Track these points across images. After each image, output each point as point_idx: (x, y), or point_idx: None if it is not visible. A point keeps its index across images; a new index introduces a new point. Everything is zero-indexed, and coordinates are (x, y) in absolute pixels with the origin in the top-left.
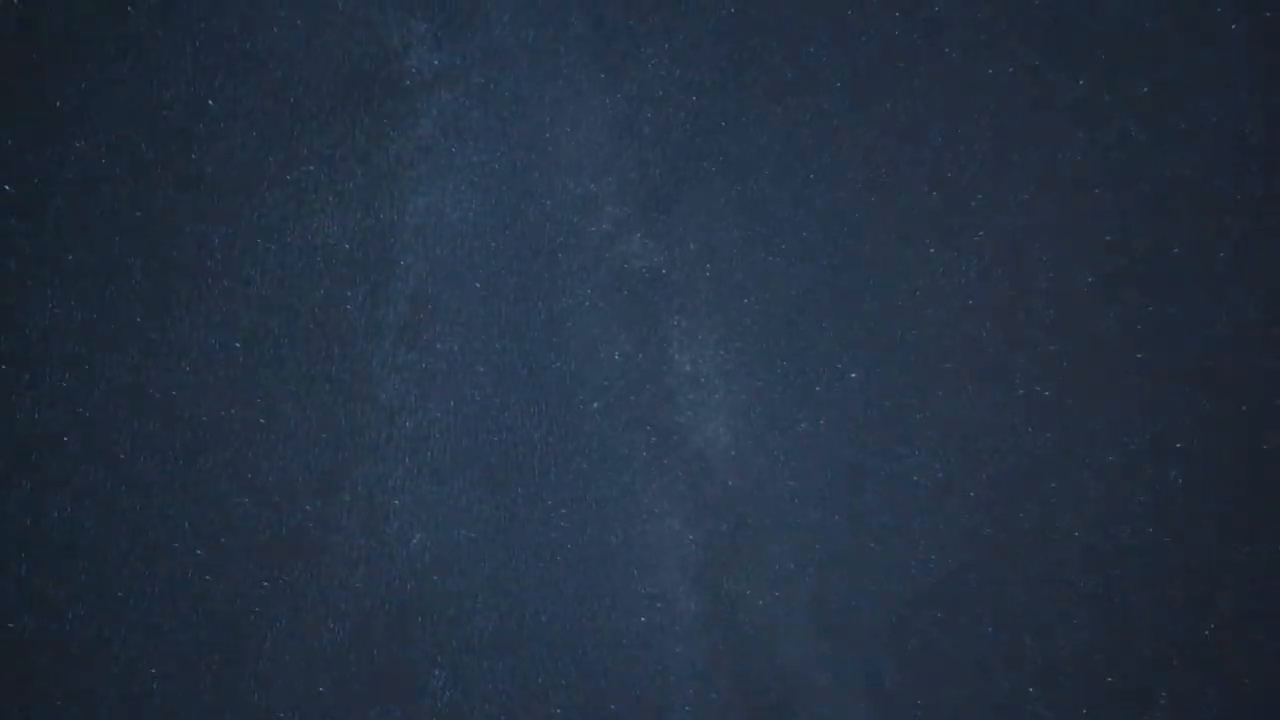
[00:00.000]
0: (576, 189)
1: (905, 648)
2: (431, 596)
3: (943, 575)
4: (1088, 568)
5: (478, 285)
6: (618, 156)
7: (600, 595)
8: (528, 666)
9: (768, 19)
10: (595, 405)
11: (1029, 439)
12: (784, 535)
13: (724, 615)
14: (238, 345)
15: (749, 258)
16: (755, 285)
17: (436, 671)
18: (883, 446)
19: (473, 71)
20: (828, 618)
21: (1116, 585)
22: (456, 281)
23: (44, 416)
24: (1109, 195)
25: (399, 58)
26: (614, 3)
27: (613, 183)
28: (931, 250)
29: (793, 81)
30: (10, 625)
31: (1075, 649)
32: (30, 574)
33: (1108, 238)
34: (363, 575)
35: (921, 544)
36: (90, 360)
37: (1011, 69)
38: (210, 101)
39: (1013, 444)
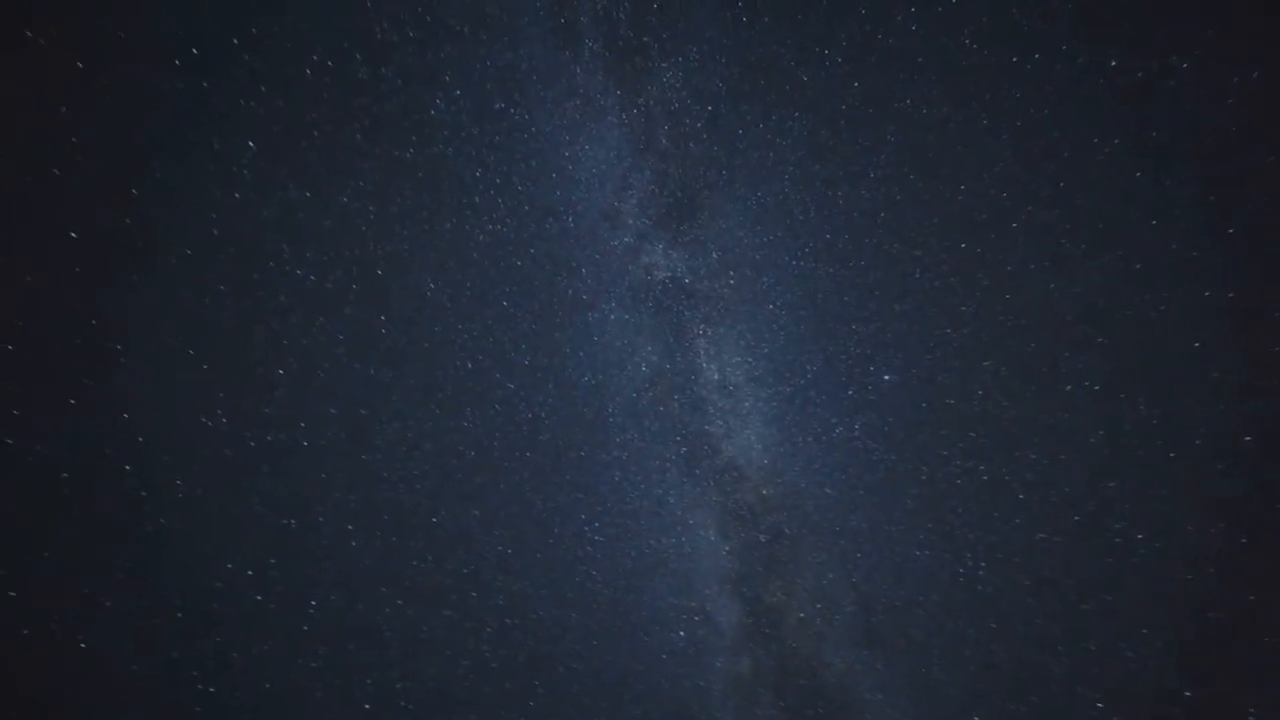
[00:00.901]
0: (597, 204)
1: (959, 660)
2: (467, 613)
3: (996, 583)
4: (1152, 572)
5: (504, 303)
6: (637, 170)
7: (637, 609)
8: (566, 683)
9: (780, 25)
10: (624, 417)
11: (1081, 437)
12: (824, 545)
13: (766, 628)
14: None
15: (773, 263)
16: (780, 290)
17: (476, 689)
18: (923, 450)
19: (494, 96)
20: (875, 629)
21: (1186, 591)
22: (483, 300)
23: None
24: (1153, 180)
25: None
26: (626, 21)
27: (633, 196)
28: (963, 245)
29: (809, 84)
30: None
31: (1146, 659)
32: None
33: (1154, 223)
34: (400, 591)
35: (971, 551)
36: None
37: (1038, 57)
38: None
39: (1063, 443)
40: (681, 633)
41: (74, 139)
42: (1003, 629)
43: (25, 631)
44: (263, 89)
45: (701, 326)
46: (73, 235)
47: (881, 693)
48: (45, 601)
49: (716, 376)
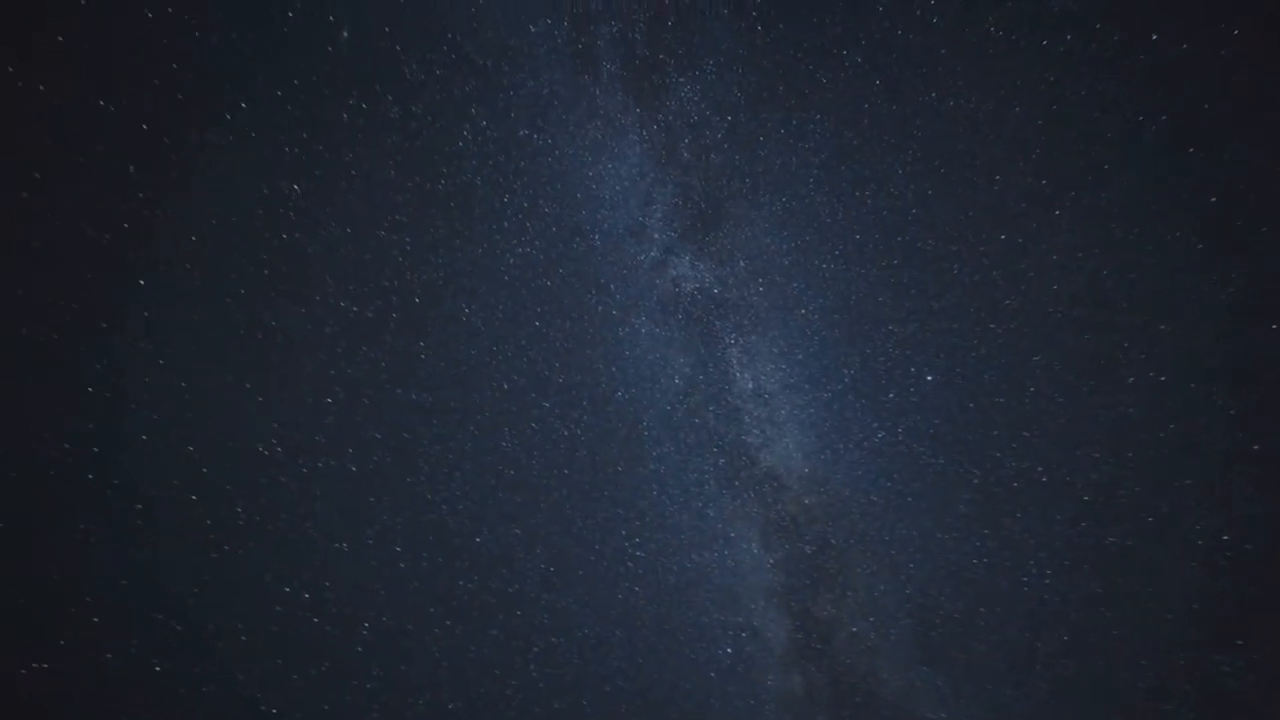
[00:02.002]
0: (623, 221)
1: (1029, 677)
2: (513, 632)
3: (1065, 593)
4: (1241, 577)
5: (536, 324)
6: (660, 184)
7: (682, 626)
8: (613, 702)
9: (796, 30)
10: (660, 431)
11: (1150, 432)
12: (873, 555)
13: (816, 643)
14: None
15: (802, 267)
16: (811, 295)
17: (525, 709)
18: (973, 452)
19: (518, 124)
20: (934, 644)
21: (1271, 596)
22: (515, 322)
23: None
24: (1214, 154)
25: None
26: (642, 40)
27: (657, 210)
28: (1003, 236)
29: (829, 86)
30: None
31: (1243, 673)
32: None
33: (1213, 199)
34: (448, 611)
35: (1033, 558)
36: None
37: (1070, 38)
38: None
39: (1130, 439)
40: (728, 649)
41: (141, 194)
42: (1076, 643)
43: (107, 657)
44: (304, 135)
45: (733, 336)
46: (141, 284)
47: (944, 712)
48: (111, 625)
49: (751, 385)
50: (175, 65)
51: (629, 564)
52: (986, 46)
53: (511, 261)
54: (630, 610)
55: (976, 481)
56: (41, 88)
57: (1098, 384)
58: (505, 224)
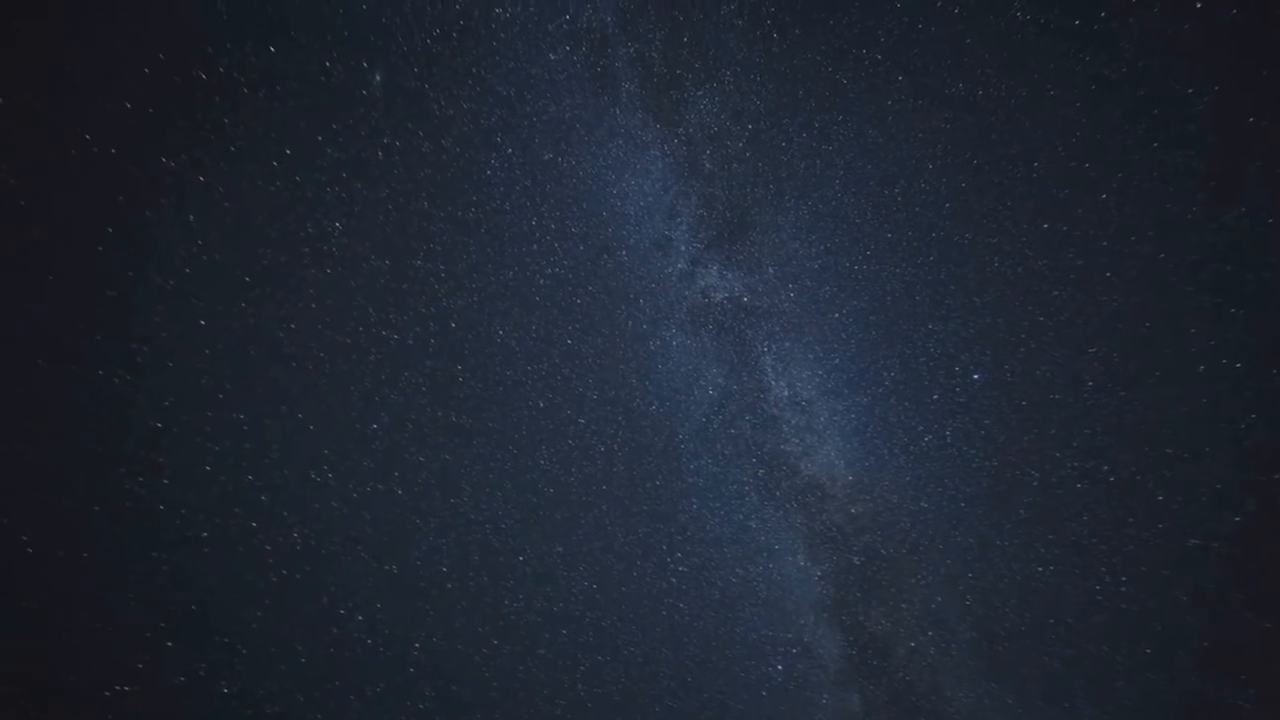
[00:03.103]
0: (649, 235)
1: (1110, 693)
2: (560, 650)
3: (1144, 601)
4: None
5: (569, 341)
6: (684, 197)
7: (730, 643)
8: None
9: (813, 34)
10: (696, 443)
11: (1228, 424)
12: (927, 565)
13: (873, 659)
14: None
15: (833, 270)
16: (845, 297)
17: None
18: (1030, 453)
19: (542, 149)
20: (1001, 658)
21: None
22: (548, 340)
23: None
24: (1272, 126)
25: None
26: (659, 59)
27: (682, 223)
28: (1045, 225)
29: (850, 87)
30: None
31: None
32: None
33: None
34: (495, 631)
35: (1106, 564)
36: None
37: (1104, 14)
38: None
39: (1207, 433)
40: (779, 666)
41: (200, 241)
42: (1161, 654)
43: (181, 679)
44: (344, 175)
45: (765, 343)
46: (201, 324)
47: None
48: (183, 648)
49: (787, 393)
50: (227, 120)
51: (672, 579)
52: (1014, 32)
53: (542, 282)
54: (676, 627)
55: (1036, 484)
56: (113, 150)
57: (1164, 375)
58: (535, 246)
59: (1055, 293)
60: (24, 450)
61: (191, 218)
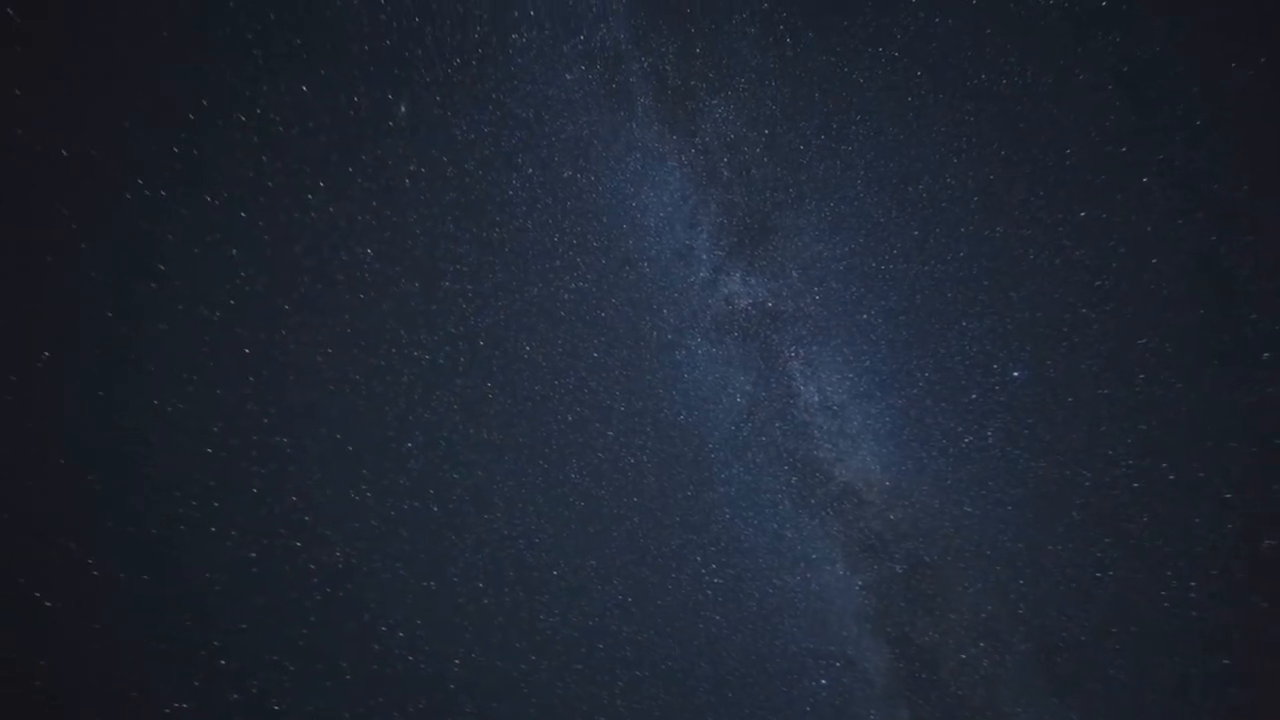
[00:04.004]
0: (670, 245)
1: (1186, 708)
2: (597, 665)
3: (1215, 607)
4: None
5: (595, 355)
6: (703, 205)
7: (770, 656)
8: None
9: (826, 36)
10: (726, 452)
11: None
12: (975, 572)
13: (921, 673)
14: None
15: (858, 271)
16: (873, 298)
17: None
18: (1080, 451)
19: (562, 166)
20: (1061, 670)
21: None
22: (574, 354)
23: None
24: None
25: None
26: (672, 71)
27: (703, 231)
28: (1082, 214)
29: (866, 86)
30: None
31: None
32: None
33: None
34: (533, 646)
35: (1172, 568)
36: None
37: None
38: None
39: (1275, 425)
40: (823, 680)
41: (243, 273)
42: (1239, 666)
43: (235, 697)
44: (374, 203)
45: (793, 348)
46: (246, 351)
47: None
48: (236, 667)
49: (817, 398)
50: (265, 158)
51: (707, 591)
52: (1037, 18)
53: (566, 297)
54: (714, 641)
55: (1088, 484)
56: (162, 193)
57: (1224, 365)
58: (557, 262)
59: (1098, 283)
60: (87, 478)
61: (234, 252)
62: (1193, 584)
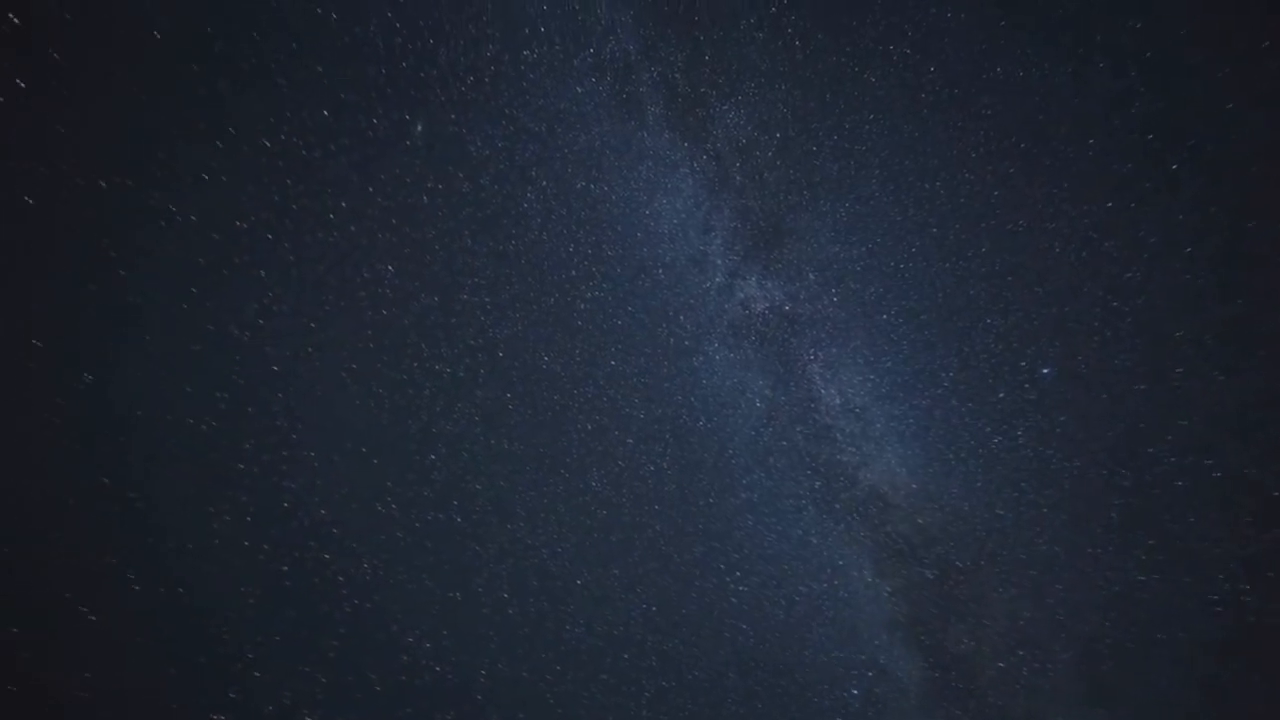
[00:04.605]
0: (684, 252)
1: (1238, 717)
2: (622, 675)
3: (1272, 611)
4: None
5: (612, 363)
6: (717, 211)
7: (799, 665)
8: None
9: (836, 38)
10: (747, 458)
11: None
12: (1009, 577)
13: (957, 682)
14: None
15: (877, 271)
16: (892, 298)
17: None
18: (1117, 449)
19: (575, 178)
20: (1106, 680)
21: None
22: (592, 363)
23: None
24: None
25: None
26: (682, 79)
27: (717, 237)
28: (1110, 204)
29: (879, 84)
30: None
31: None
32: None
33: None
34: (558, 657)
35: (1224, 571)
36: None
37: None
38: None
39: None
40: (855, 690)
41: (270, 293)
42: None
43: (270, 708)
44: (394, 221)
45: (811, 351)
46: (274, 369)
47: None
48: (271, 679)
49: (838, 401)
50: (289, 182)
51: (732, 600)
52: (1053, 9)
53: (583, 306)
54: (740, 650)
55: (1127, 484)
56: (193, 217)
57: (1271, 355)
58: (573, 272)
59: (1128, 275)
60: (127, 495)
61: (262, 273)
62: (1245, 586)
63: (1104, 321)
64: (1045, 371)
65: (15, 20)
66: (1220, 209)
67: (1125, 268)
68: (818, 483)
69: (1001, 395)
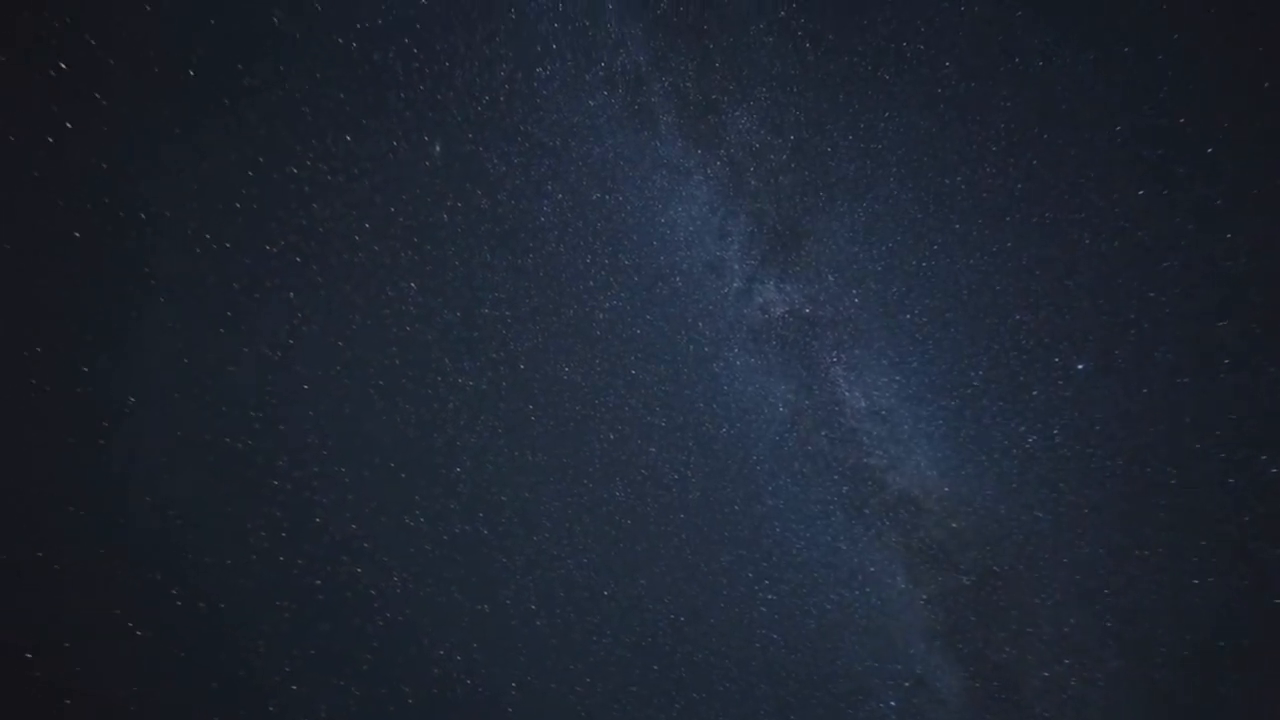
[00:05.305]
0: (700, 258)
1: None
2: (653, 686)
3: None
4: None
5: (632, 371)
6: (732, 216)
7: (833, 676)
8: None
9: (848, 38)
10: (772, 463)
11: None
12: (1051, 583)
13: (1001, 693)
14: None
15: (898, 270)
16: (915, 297)
17: None
18: (1161, 446)
19: (590, 190)
20: (1165, 690)
21: None
22: (612, 372)
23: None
24: None
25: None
26: (693, 87)
27: (733, 242)
28: (1141, 192)
29: (893, 82)
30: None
31: None
32: None
33: None
34: (588, 668)
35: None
36: None
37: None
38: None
39: None
40: (892, 702)
41: (300, 314)
42: None
43: None
44: (415, 239)
45: (834, 354)
46: (305, 388)
47: None
48: (306, 693)
49: (864, 403)
50: (316, 206)
51: (761, 609)
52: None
53: (601, 316)
54: (772, 660)
55: (1174, 482)
56: (227, 245)
57: None
58: (591, 283)
59: (1165, 264)
60: (167, 514)
61: (292, 295)
62: None
63: (1141, 313)
64: (1081, 367)
65: (64, 66)
66: (1263, 191)
67: (1161, 257)
68: (845, 487)
69: (1035, 393)
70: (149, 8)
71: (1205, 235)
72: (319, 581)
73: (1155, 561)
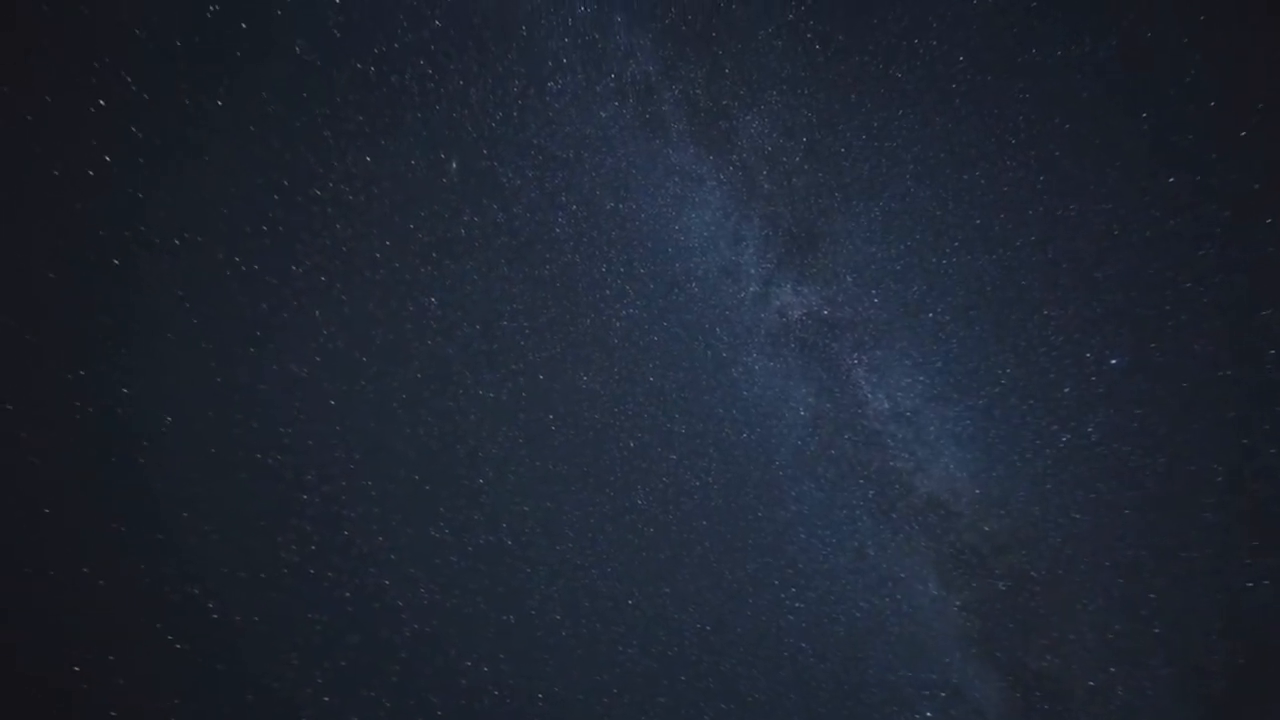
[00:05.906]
0: (716, 264)
1: None
2: (680, 697)
3: None
4: None
5: (651, 379)
6: (747, 220)
7: (865, 686)
8: None
9: (858, 38)
10: (795, 469)
11: None
12: (1093, 587)
13: (1043, 703)
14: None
15: (918, 269)
16: (936, 295)
17: None
18: (1204, 442)
19: (604, 199)
20: (1219, 700)
21: None
22: (630, 380)
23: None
24: None
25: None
26: (703, 94)
27: (748, 246)
28: (1171, 180)
29: (906, 80)
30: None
31: None
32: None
33: None
34: (615, 679)
35: None
36: None
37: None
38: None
39: None
40: (928, 713)
41: (326, 331)
42: None
43: None
44: (434, 254)
45: (854, 355)
46: (331, 404)
47: None
48: (344, 703)
49: (887, 405)
50: (339, 226)
51: (789, 617)
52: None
53: (618, 325)
54: (801, 670)
55: (1220, 480)
56: (256, 266)
57: None
58: (607, 291)
59: (1200, 252)
60: (203, 529)
61: (318, 313)
62: None
63: (1177, 304)
64: (1114, 362)
65: (102, 103)
66: None
67: (1195, 246)
68: (871, 492)
69: (1067, 390)
70: (179, 44)
71: (1242, 221)
72: (348, 594)
73: (1203, 563)
